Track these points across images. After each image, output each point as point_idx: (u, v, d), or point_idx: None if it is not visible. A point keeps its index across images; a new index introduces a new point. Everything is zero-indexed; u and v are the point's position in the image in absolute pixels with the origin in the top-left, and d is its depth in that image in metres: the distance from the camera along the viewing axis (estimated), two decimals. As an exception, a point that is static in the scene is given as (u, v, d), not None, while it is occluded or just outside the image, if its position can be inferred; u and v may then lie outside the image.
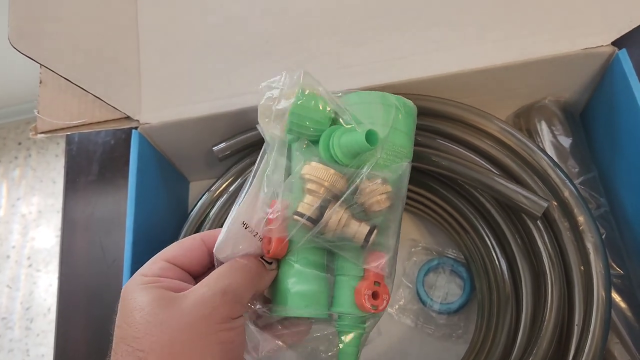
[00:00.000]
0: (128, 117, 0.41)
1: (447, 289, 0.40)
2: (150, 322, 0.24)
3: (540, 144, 0.41)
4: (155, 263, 0.28)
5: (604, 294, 0.32)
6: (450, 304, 0.39)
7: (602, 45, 0.37)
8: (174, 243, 0.29)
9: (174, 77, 0.41)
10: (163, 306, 0.25)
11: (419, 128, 0.38)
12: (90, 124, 0.41)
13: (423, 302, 0.40)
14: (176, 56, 0.42)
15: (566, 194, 0.34)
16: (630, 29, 0.37)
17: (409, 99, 0.38)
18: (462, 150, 0.37)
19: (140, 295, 0.25)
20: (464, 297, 0.39)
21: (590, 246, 0.33)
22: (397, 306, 0.41)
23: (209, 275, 0.27)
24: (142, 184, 0.39)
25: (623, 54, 0.37)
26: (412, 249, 0.42)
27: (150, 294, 0.25)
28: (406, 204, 0.42)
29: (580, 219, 0.34)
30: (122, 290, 0.27)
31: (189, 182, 0.48)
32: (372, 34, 0.40)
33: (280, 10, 0.41)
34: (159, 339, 0.24)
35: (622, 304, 0.35)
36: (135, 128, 0.41)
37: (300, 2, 0.41)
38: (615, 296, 0.35)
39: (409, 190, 0.40)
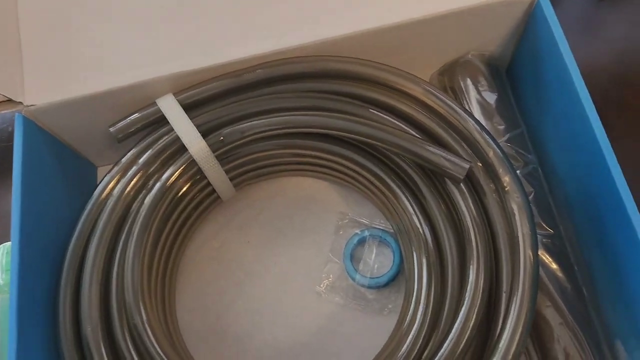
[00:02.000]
0: (10, 100, 0.36)
1: (377, 262, 0.38)
2: None
3: (465, 102, 0.38)
4: None
5: (531, 255, 0.30)
6: (379, 278, 0.37)
7: (522, -8, 0.35)
8: None
9: (60, 52, 0.37)
10: None
11: (336, 92, 0.35)
12: (-32, 110, 0.37)
13: (352, 278, 0.38)
14: (61, 28, 0.37)
15: (490, 154, 0.32)
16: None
17: (323, 60, 0.35)
18: (381, 114, 0.34)
19: None
20: (393, 270, 0.37)
21: (515, 207, 0.31)
22: (325, 284, 0.38)
23: None
24: (32, 175, 0.35)
25: (544, 0, 0.35)
26: (339, 222, 0.40)
27: None
28: (330, 174, 0.39)
29: (506, 179, 0.31)
30: None
31: (96, 168, 0.44)
32: (277, -9, 0.36)
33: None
34: None
35: (553, 265, 0.33)
36: (20, 111, 0.36)
37: (197, -40, 0.37)
38: (546, 257, 0.34)
39: (331, 160, 0.37)
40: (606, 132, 0.42)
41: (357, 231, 0.39)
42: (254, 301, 0.39)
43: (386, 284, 0.37)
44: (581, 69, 0.45)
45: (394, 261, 0.37)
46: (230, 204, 0.41)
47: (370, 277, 0.37)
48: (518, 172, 0.36)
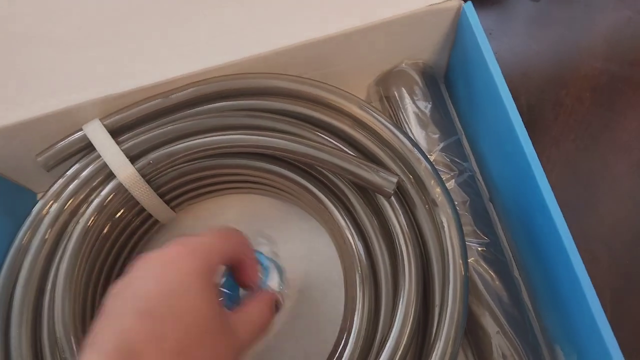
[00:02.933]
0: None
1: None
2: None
3: (400, 111, 0.38)
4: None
5: (461, 266, 0.30)
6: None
7: (447, 0, 0.35)
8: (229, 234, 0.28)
9: (-17, 79, 0.36)
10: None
11: (267, 110, 0.35)
12: None
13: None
14: (-17, 55, 0.36)
15: (421, 168, 0.32)
16: (476, -20, 0.35)
17: (254, 77, 0.35)
18: (312, 131, 0.34)
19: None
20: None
21: (444, 219, 0.31)
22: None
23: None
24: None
25: (469, 7, 0.35)
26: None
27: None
28: (270, 191, 0.39)
29: (437, 191, 0.31)
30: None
31: (35, 194, 0.43)
32: (202, 9, 0.36)
33: (97, -9, 0.36)
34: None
35: (490, 273, 0.33)
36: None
37: (120, -19, 0.36)
38: (482, 266, 0.34)
39: (266, 177, 0.37)
40: (543, 133, 0.42)
41: None
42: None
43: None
44: (518, 70, 0.45)
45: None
46: (173, 226, 0.41)
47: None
48: (453, 180, 0.36)
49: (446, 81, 0.42)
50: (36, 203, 0.42)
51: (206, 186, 0.38)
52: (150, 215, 0.38)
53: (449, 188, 0.33)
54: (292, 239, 0.40)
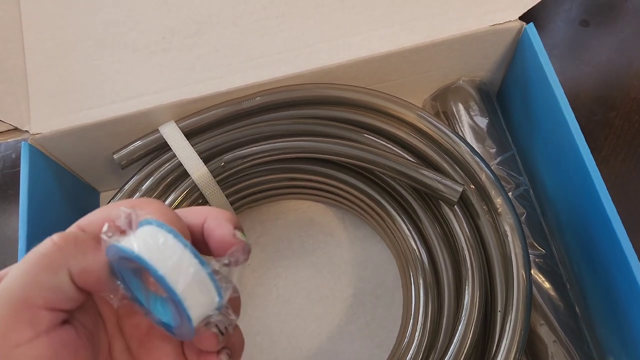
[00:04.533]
0: (17, 129, 0.37)
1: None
2: None
3: (457, 126, 0.39)
4: None
5: (524, 275, 0.31)
6: None
7: (510, 21, 0.36)
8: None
9: (65, 81, 0.38)
10: None
11: (333, 118, 0.36)
12: (-25, 138, 0.37)
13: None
14: (66, 58, 0.38)
15: (482, 177, 0.33)
16: (537, 2, 0.36)
17: (320, 87, 0.37)
18: (376, 139, 0.35)
19: None
20: None
21: (507, 228, 0.32)
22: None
23: None
24: (37, 201, 0.36)
25: (531, 28, 0.36)
26: (337, 245, 0.40)
27: None
28: (328, 197, 0.40)
29: (498, 201, 0.33)
30: None
31: (99, 193, 0.45)
32: (275, 23, 0.38)
33: (176, 2, 0.38)
34: None
35: (546, 284, 0.34)
36: (26, 139, 0.37)
37: (197, -7, 0.39)
38: (539, 276, 0.35)
39: (328, 184, 0.38)
40: (593, 154, 0.43)
41: None
42: (256, 323, 0.39)
43: None
44: (567, 92, 0.46)
45: None
46: (231, 227, 0.42)
47: None
48: (510, 194, 0.37)
49: (499, 98, 0.43)
50: (100, 203, 0.45)
51: (265, 190, 0.40)
52: (213, 216, 0.39)
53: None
54: (347, 244, 0.41)
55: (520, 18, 0.37)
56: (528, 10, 0.37)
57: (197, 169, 0.35)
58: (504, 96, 0.43)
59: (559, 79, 0.44)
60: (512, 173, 0.38)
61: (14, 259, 0.45)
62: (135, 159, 0.37)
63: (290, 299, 0.40)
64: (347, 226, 0.42)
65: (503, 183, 0.37)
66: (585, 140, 0.44)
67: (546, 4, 0.50)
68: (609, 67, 0.46)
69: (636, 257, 0.30)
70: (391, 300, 0.39)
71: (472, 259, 0.32)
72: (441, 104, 0.41)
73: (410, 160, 0.34)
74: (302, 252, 0.41)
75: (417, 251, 0.33)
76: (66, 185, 0.41)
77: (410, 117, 0.35)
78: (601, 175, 0.42)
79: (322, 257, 0.41)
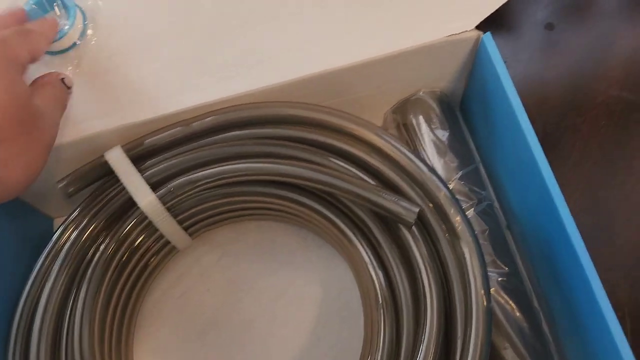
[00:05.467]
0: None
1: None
2: None
3: (418, 140, 0.38)
4: None
5: (483, 297, 0.30)
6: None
7: (466, 31, 0.35)
8: None
9: (6, 107, 0.36)
10: None
11: (287, 138, 0.35)
12: None
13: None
14: (7, 83, 0.37)
15: (440, 196, 0.32)
16: (493, 10, 0.35)
17: (274, 106, 0.35)
18: (331, 159, 0.34)
19: None
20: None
21: (466, 249, 0.31)
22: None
23: None
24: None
25: (487, 38, 0.35)
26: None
27: None
28: (287, 218, 0.39)
29: (456, 219, 0.31)
30: None
31: (52, 219, 0.44)
32: (224, 39, 0.36)
33: (112, 18, 0.37)
34: None
35: (510, 304, 0.33)
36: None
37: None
38: (502, 297, 0.33)
39: (285, 205, 0.37)
40: (562, 159, 0.42)
41: None
42: (217, 350, 0.38)
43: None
44: (534, 97, 0.45)
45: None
46: (190, 252, 0.41)
47: None
48: (472, 209, 0.36)
49: (462, 109, 0.42)
50: (54, 228, 0.43)
51: (223, 213, 0.38)
52: (167, 242, 0.38)
53: (468, 217, 0.33)
54: (310, 265, 0.40)
55: (485, 22, 0.35)
56: (493, 14, 0.36)
57: (144, 196, 0.34)
58: (466, 107, 0.41)
59: (524, 85, 0.43)
60: (474, 188, 0.36)
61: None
62: (82, 187, 0.35)
63: (253, 323, 0.39)
64: (309, 246, 0.40)
65: (465, 199, 0.36)
66: (552, 148, 0.44)
67: (511, 7, 0.49)
68: (576, 71, 0.45)
69: (596, 273, 0.29)
70: (356, 321, 0.38)
71: (431, 281, 0.31)
72: (401, 117, 0.39)
73: (367, 182, 0.33)
74: (264, 274, 0.40)
75: (374, 275, 0.32)
76: (17, 215, 0.39)
77: (367, 134, 0.34)
78: (571, 180, 0.42)
79: (285, 278, 0.40)
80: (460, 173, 0.36)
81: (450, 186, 0.36)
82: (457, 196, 0.36)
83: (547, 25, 0.47)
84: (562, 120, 0.44)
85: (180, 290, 0.40)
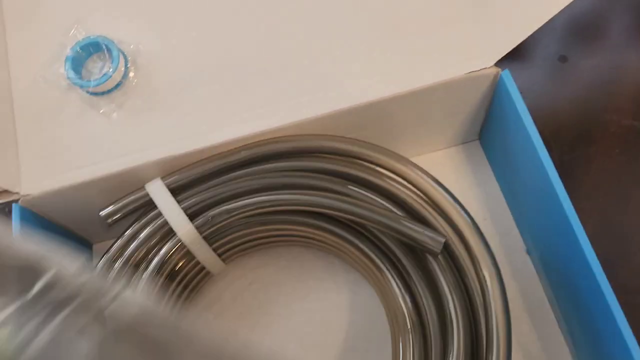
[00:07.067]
0: (7, 191, 0.38)
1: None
2: None
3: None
4: None
5: (503, 321, 0.31)
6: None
7: (486, 68, 0.37)
8: None
9: (53, 142, 0.39)
10: None
11: (314, 170, 0.37)
12: (-36, 202, 0.38)
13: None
14: (55, 119, 0.39)
15: (461, 223, 0.34)
16: (512, 47, 0.37)
17: (302, 139, 0.37)
18: (359, 191, 0.36)
19: None
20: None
21: (487, 274, 0.32)
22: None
23: None
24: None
25: (506, 75, 0.37)
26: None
27: None
28: (313, 245, 0.40)
29: (477, 248, 0.33)
30: None
31: (92, 245, 0.46)
32: (257, 78, 0.39)
33: (152, 60, 0.40)
34: None
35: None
36: (16, 201, 0.38)
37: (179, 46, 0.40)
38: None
39: (316, 234, 0.38)
40: (575, 190, 0.44)
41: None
42: (247, 373, 0.40)
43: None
44: (547, 129, 0.47)
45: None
46: (221, 277, 0.42)
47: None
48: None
49: (481, 140, 0.44)
50: (93, 253, 0.45)
51: (255, 239, 0.40)
52: (202, 268, 0.40)
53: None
54: (337, 290, 0.41)
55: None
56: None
57: (182, 226, 0.36)
58: (485, 138, 0.43)
59: (538, 115, 0.45)
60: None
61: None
62: (122, 217, 0.38)
63: (283, 346, 0.40)
64: (337, 271, 0.42)
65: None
66: (567, 175, 0.45)
67: (525, 40, 0.51)
68: (589, 102, 0.47)
69: (614, 295, 0.30)
70: (382, 346, 0.39)
71: (457, 307, 0.32)
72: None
73: (395, 212, 0.34)
74: (294, 298, 0.42)
75: (402, 303, 0.34)
76: (59, 241, 0.41)
77: (394, 165, 0.36)
78: (584, 211, 0.43)
79: (314, 303, 0.41)
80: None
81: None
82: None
83: (560, 57, 0.49)
84: (575, 150, 0.46)
85: (212, 314, 0.42)
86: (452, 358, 0.32)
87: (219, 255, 0.40)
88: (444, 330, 0.33)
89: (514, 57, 0.52)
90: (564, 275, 0.35)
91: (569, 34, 0.50)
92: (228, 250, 0.40)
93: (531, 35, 0.49)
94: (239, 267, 0.43)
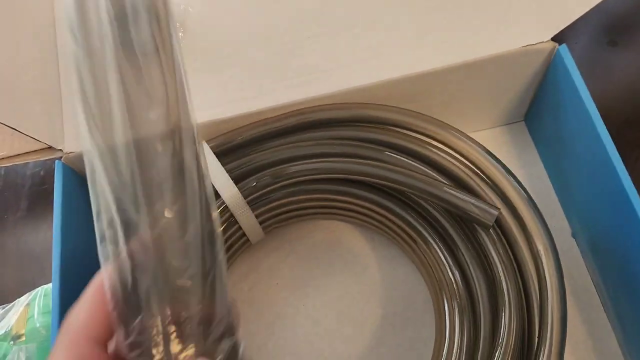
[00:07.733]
0: (51, 147, 0.38)
1: None
2: None
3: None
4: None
5: (558, 298, 0.30)
6: None
7: (542, 42, 0.36)
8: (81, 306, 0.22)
9: (98, 101, 0.38)
10: None
11: (365, 139, 0.36)
12: (9, 157, 0.38)
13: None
14: (100, 78, 0.39)
15: (515, 197, 0.33)
16: (569, 23, 0.36)
17: (350, 108, 0.37)
18: (409, 161, 0.35)
19: None
20: None
21: (541, 248, 0.31)
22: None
23: None
24: (70, 217, 0.36)
25: (564, 49, 0.36)
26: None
27: None
28: (358, 218, 0.40)
29: (531, 222, 0.32)
30: None
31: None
32: (307, 43, 0.38)
33: (201, 22, 0.39)
34: None
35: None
36: (60, 158, 0.37)
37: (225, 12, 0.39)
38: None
39: (360, 205, 0.38)
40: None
41: None
42: (285, 343, 0.39)
43: None
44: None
45: None
46: (259, 247, 0.42)
47: None
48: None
49: (527, 119, 0.43)
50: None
51: (297, 210, 0.40)
52: (242, 235, 0.39)
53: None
54: (376, 265, 0.41)
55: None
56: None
57: (228, 189, 0.35)
58: (532, 117, 0.42)
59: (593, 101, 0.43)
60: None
61: (42, 276, 0.46)
62: (168, 179, 0.37)
63: (319, 319, 0.40)
64: (375, 246, 0.41)
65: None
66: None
67: (573, 23, 0.50)
68: (637, 88, 0.46)
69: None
70: (421, 322, 0.39)
71: (508, 282, 0.31)
72: (471, 124, 0.41)
73: (445, 183, 0.34)
74: (330, 272, 0.41)
75: (451, 276, 0.33)
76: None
77: (444, 136, 0.35)
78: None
79: (351, 278, 0.41)
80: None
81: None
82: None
83: (610, 42, 0.48)
84: (624, 136, 0.44)
85: (249, 284, 0.41)
86: (503, 336, 0.31)
87: (260, 224, 0.39)
88: (494, 307, 0.32)
89: (562, 39, 0.51)
90: (617, 257, 0.34)
91: (620, 19, 0.49)
92: (269, 219, 0.39)
93: (581, 17, 0.48)
94: (277, 238, 0.42)
